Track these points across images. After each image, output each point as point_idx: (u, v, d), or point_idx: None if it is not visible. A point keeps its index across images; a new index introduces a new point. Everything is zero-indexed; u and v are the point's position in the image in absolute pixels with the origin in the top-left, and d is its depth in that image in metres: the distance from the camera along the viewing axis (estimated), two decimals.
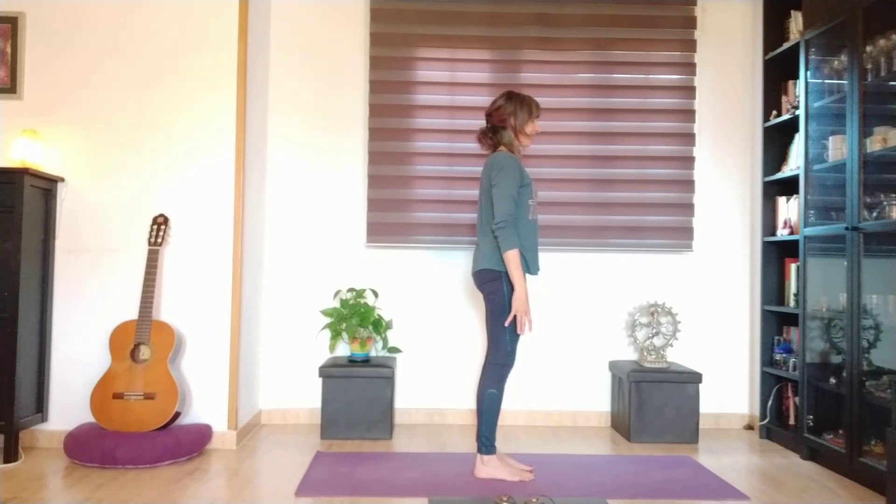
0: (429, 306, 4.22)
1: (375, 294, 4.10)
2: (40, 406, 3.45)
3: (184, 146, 3.59)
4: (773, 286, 3.99)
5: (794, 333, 3.81)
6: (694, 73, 4.26)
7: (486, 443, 3.07)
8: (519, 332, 3.01)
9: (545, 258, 4.25)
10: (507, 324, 3.02)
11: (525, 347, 4.23)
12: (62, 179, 3.55)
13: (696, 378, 3.83)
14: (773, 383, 3.96)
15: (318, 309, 4.18)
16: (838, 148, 3.38)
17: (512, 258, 2.96)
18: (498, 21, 4.21)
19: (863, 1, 3.15)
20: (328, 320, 4.05)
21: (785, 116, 3.84)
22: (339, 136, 4.23)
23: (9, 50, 3.53)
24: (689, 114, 4.25)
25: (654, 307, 4.11)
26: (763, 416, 3.97)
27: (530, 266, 3.10)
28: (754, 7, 4.26)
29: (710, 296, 4.28)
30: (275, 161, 4.22)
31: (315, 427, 4.03)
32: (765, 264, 4.00)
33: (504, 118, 3.14)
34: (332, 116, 4.23)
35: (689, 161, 4.25)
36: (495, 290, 3.05)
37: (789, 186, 3.93)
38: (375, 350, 4.14)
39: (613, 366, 4.11)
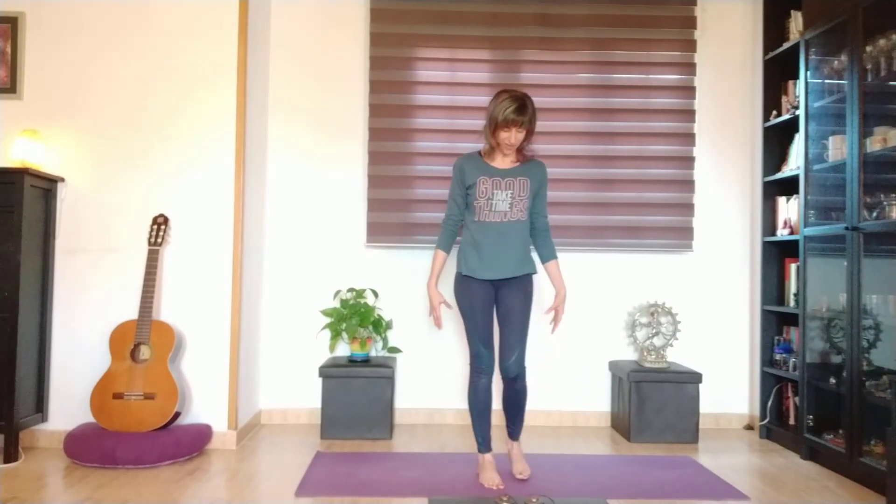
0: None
1: (375, 294, 4.10)
2: (40, 406, 3.45)
3: (184, 145, 3.59)
4: (773, 286, 3.98)
5: (794, 333, 3.81)
6: (694, 73, 4.26)
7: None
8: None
9: None
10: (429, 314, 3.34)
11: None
12: (62, 179, 3.55)
13: (696, 378, 3.83)
14: (773, 383, 3.95)
15: (318, 309, 4.18)
16: (838, 148, 3.38)
17: (433, 257, 3.13)
18: (498, 21, 4.21)
19: (863, 1, 3.15)
20: (328, 320, 4.05)
21: (785, 116, 3.83)
22: (340, 136, 4.23)
23: (9, 50, 3.53)
24: (689, 114, 4.25)
25: (654, 307, 4.11)
26: (763, 416, 3.97)
27: (472, 268, 3.01)
28: (754, 7, 4.26)
29: (710, 296, 4.28)
30: (275, 160, 4.21)
31: (315, 427, 4.02)
32: (765, 264, 4.00)
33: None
34: (332, 116, 4.22)
35: (689, 161, 4.25)
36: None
37: (789, 186, 3.92)
38: (375, 350, 4.14)
39: (613, 366, 4.11)
